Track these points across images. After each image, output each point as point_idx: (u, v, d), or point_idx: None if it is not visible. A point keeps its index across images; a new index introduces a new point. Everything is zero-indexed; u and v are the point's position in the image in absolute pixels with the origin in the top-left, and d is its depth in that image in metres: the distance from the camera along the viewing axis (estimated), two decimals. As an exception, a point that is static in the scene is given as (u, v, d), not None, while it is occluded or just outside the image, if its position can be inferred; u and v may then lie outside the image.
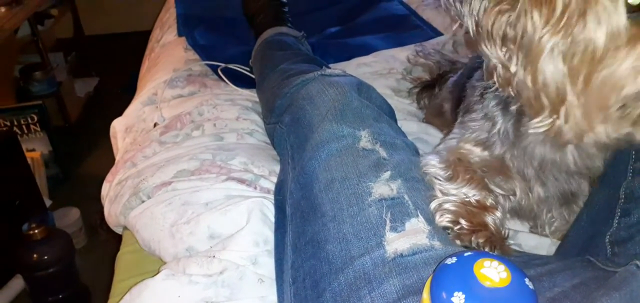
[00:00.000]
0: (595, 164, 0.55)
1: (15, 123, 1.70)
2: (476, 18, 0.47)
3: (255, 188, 0.70)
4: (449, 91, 0.84)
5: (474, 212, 0.53)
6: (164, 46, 1.18)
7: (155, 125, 0.89)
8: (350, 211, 0.52)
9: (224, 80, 0.99)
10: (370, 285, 0.46)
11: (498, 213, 0.54)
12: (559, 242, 0.62)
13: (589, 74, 0.42)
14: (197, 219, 0.66)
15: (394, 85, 0.99)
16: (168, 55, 1.12)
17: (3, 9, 1.68)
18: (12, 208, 1.42)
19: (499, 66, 0.48)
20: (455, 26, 0.52)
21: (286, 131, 0.70)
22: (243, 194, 0.69)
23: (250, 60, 1.02)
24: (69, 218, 1.55)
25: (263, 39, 1.01)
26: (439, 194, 0.55)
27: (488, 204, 0.55)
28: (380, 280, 0.45)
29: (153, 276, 0.61)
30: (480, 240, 0.51)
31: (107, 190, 0.81)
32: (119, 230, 0.81)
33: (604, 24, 0.40)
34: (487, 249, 0.51)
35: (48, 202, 1.62)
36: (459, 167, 0.56)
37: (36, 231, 1.25)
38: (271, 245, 0.62)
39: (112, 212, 0.77)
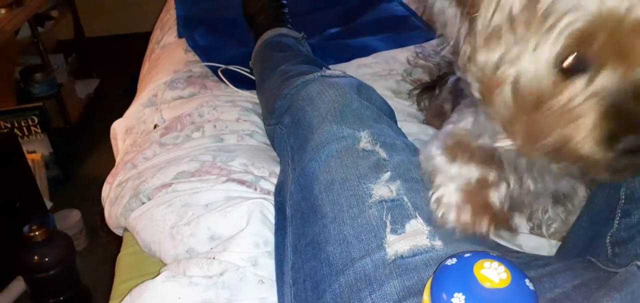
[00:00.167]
0: (574, 172, 0.54)
1: (16, 125, 1.70)
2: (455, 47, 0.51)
3: (256, 189, 0.70)
4: (449, 92, 0.84)
5: (476, 192, 0.51)
6: (164, 48, 1.19)
7: (155, 126, 0.89)
8: (351, 212, 0.52)
9: (224, 82, 0.99)
10: (371, 287, 0.46)
11: (502, 188, 0.52)
12: (560, 243, 0.61)
13: (523, 112, 0.45)
14: (197, 221, 0.66)
15: (394, 86, 0.99)
16: (168, 57, 1.12)
17: (3, 11, 1.69)
18: (13, 210, 1.42)
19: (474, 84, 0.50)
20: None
21: (286, 132, 0.70)
22: (243, 195, 0.69)
23: (250, 62, 1.02)
24: (70, 220, 1.55)
25: (263, 40, 1.02)
26: (438, 186, 0.52)
27: (490, 180, 0.52)
28: (381, 282, 0.45)
29: (153, 277, 0.61)
30: (484, 225, 0.49)
31: (108, 191, 0.81)
32: (119, 232, 0.81)
33: (533, 76, 0.43)
34: (491, 229, 0.49)
35: (49, 204, 1.62)
36: (457, 149, 0.55)
37: (37, 233, 1.25)
38: (271, 247, 0.62)
39: (113, 214, 0.77)
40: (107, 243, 1.47)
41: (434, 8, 0.52)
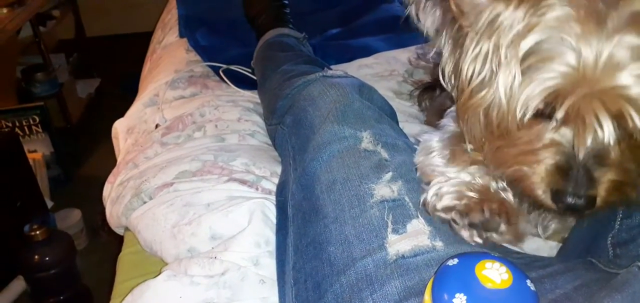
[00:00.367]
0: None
1: (17, 124, 1.70)
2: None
3: (257, 189, 0.70)
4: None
5: (479, 189, 0.50)
6: (166, 47, 1.19)
7: (156, 126, 0.89)
8: (352, 212, 0.52)
9: (226, 82, 0.99)
10: (372, 287, 0.46)
11: (509, 194, 0.51)
12: (560, 244, 0.61)
13: (491, 137, 0.47)
14: (198, 220, 0.66)
15: (395, 87, 0.99)
16: (170, 57, 1.12)
17: (5, 10, 1.69)
18: (14, 210, 1.42)
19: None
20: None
21: (288, 132, 0.70)
22: (245, 195, 0.69)
23: (252, 62, 1.02)
24: (71, 219, 1.55)
25: (264, 40, 1.02)
26: (435, 182, 0.51)
27: (492, 189, 0.51)
28: (382, 282, 0.45)
29: (155, 277, 0.61)
30: (494, 206, 0.48)
31: (109, 191, 0.81)
32: (120, 231, 0.81)
33: (505, 110, 0.45)
34: (502, 220, 0.48)
35: (49, 203, 1.62)
36: (457, 148, 0.55)
37: (37, 232, 1.25)
38: (273, 246, 0.62)
39: (114, 213, 0.77)
40: (108, 243, 1.47)
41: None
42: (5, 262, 1.36)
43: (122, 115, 0.97)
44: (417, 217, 0.50)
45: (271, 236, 0.63)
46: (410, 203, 0.51)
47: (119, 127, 0.94)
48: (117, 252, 0.77)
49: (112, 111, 1.04)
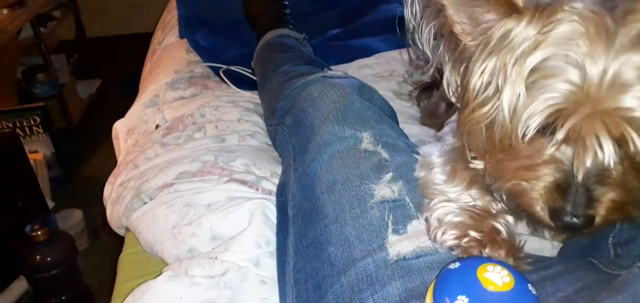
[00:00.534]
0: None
1: (18, 125, 1.70)
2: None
3: (257, 189, 0.71)
4: (444, 93, 0.83)
5: (481, 216, 0.50)
6: (166, 48, 1.19)
7: (157, 127, 0.89)
8: (352, 213, 0.52)
9: (226, 82, 0.99)
10: (373, 288, 0.46)
11: (508, 217, 0.51)
12: (562, 244, 0.61)
13: (493, 150, 0.47)
14: (199, 221, 0.66)
15: (395, 88, 0.99)
16: (170, 57, 1.12)
17: (5, 11, 1.69)
18: (15, 210, 1.42)
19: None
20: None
21: (288, 133, 0.70)
22: (245, 196, 0.69)
23: (252, 62, 1.02)
24: (72, 219, 1.55)
25: (265, 40, 1.02)
26: (436, 203, 0.51)
27: (493, 211, 0.51)
28: (383, 283, 0.45)
29: (155, 277, 0.61)
30: (502, 253, 0.47)
31: (110, 191, 0.81)
32: (121, 232, 0.81)
33: (508, 126, 0.44)
34: (510, 262, 0.47)
35: (50, 204, 1.62)
36: (458, 165, 0.54)
37: (39, 233, 1.25)
38: (273, 247, 0.62)
39: (115, 214, 0.77)
40: (109, 243, 1.47)
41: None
42: (6, 262, 1.36)
43: (122, 115, 0.97)
44: (418, 217, 0.50)
45: (272, 236, 0.63)
46: (410, 204, 0.51)
47: (120, 127, 0.95)
48: (118, 252, 0.77)
49: (113, 112, 1.04)
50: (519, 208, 0.48)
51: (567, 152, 0.43)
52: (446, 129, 0.61)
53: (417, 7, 0.57)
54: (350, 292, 0.47)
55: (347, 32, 1.20)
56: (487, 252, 0.47)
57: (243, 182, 0.71)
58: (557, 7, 0.43)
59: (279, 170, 0.74)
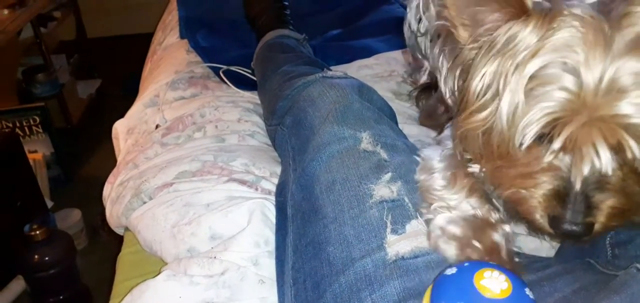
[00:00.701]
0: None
1: (18, 124, 1.70)
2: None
3: (257, 189, 0.71)
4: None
5: (481, 227, 0.49)
6: (166, 48, 1.19)
7: (157, 126, 0.89)
8: (351, 213, 0.52)
9: (226, 82, 1.00)
10: (371, 287, 0.46)
11: (507, 228, 0.50)
12: (559, 244, 0.61)
13: (491, 157, 0.47)
14: (198, 220, 0.66)
15: (395, 88, 0.99)
16: (170, 58, 1.12)
17: (6, 11, 1.69)
18: (14, 209, 1.42)
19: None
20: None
21: (287, 133, 0.70)
22: (244, 195, 0.69)
23: (252, 63, 1.02)
24: (71, 219, 1.55)
25: (265, 41, 1.02)
26: (437, 210, 0.50)
27: (493, 221, 0.50)
28: (381, 282, 0.45)
29: (154, 277, 0.61)
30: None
31: (109, 191, 0.81)
32: (120, 231, 0.81)
33: (506, 133, 0.44)
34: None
35: (49, 203, 1.62)
36: (459, 171, 0.54)
37: (38, 232, 1.25)
38: (272, 246, 0.62)
39: (114, 213, 0.77)
40: (107, 243, 1.47)
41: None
42: (5, 261, 1.36)
43: (122, 115, 0.97)
44: (417, 217, 0.50)
45: (271, 236, 0.63)
46: (409, 204, 0.51)
47: (119, 127, 0.95)
48: (116, 251, 0.77)
49: (113, 112, 1.04)
50: (519, 216, 0.48)
51: (565, 159, 0.43)
52: (446, 132, 0.61)
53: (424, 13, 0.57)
54: (349, 292, 0.47)
55: (347, 33, 1.20)
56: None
57: (242, 182, 0.71)
58: (557, 13, 0.42)
59: (278, 170, 0.74)
